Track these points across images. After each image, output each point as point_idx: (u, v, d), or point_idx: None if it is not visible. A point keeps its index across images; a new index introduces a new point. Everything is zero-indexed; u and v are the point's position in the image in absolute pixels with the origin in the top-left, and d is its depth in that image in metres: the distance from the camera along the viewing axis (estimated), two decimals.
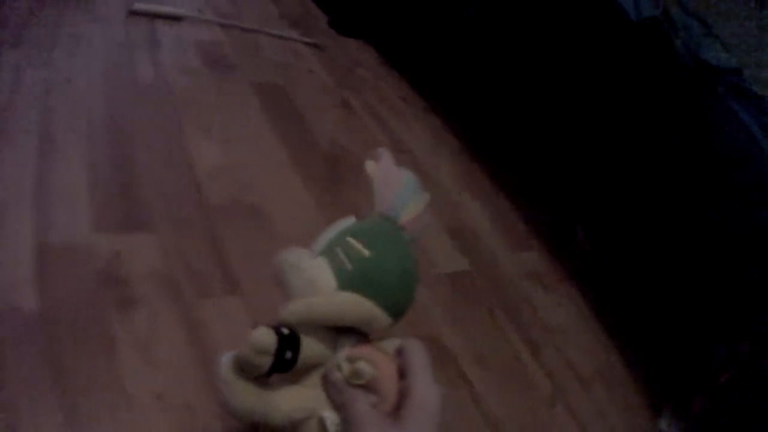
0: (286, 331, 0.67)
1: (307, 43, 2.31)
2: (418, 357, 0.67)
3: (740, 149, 1.47)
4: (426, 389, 0.63)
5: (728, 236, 1.45)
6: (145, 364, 0.93)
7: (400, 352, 0.69)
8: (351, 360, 0.67)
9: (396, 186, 0.86)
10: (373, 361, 0.67)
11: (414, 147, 1.92)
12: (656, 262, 1.62)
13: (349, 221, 0.79)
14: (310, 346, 0.69)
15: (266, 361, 0.65)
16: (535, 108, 1.98)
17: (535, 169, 1.99)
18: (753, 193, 1.43)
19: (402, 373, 0.66)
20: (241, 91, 1.78)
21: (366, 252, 0.72)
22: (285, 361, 0.66)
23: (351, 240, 0.73)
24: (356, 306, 0.70)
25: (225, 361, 0.68)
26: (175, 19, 2.03)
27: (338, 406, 0.66)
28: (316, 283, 0.70)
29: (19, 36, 1.65)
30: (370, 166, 0.87)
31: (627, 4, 1.68)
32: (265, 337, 0.65)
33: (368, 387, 0.65)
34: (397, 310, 0.74)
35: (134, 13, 1.96)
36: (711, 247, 1.48)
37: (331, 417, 0.68)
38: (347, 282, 0.70)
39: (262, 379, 0.68)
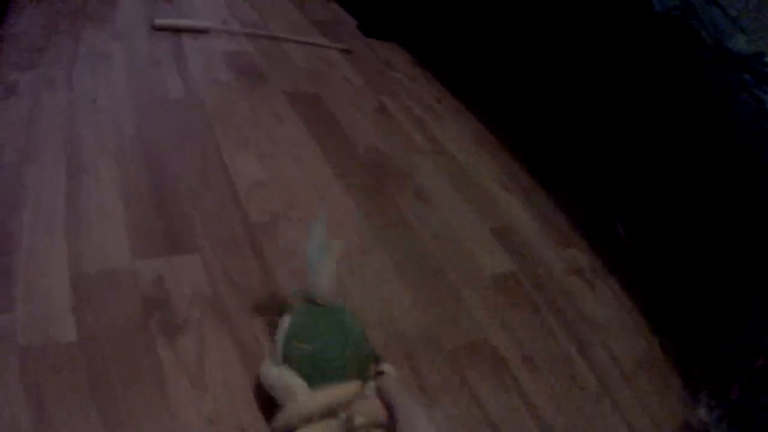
0: None
1: (337, 49, 2.28)
2: (393, 389, 0.83)
3: (765, 137, 1.46)
4: (408, 411, 0.78)
5: (760, 223, 1.45)
6: (195, 389, 0.90)
7: (379, 391, 0.84)
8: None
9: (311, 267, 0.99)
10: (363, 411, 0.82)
11: (453, 148, 1.89)
12: (691, 251, 1.62)
13: (285, 321, 0.93)
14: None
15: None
16: (567, 102, 1.97)
17: (572, 164, 1.97)
18: None
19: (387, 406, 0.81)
20: (275, 101, 1.75)
21: (308, 347, 0.88)
22: None
23: (294, 342, 0.88)
24: (328, 397, 0.83)
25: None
26: (201, 32, 2.02)
27: None
28: (292, 390, 0.83)
29: (39, 55, 1.63)
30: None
31: None
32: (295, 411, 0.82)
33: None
34: (360, 371, 0.88)
35: (157, 29, 1.95)
36: (743, 234, 1.48)
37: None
38: (310, 378, 0.84)
39: None
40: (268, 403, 0.88)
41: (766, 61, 1.60)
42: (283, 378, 0.85)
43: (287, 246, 1.23)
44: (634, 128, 1.75)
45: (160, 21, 1.97)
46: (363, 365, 0.90)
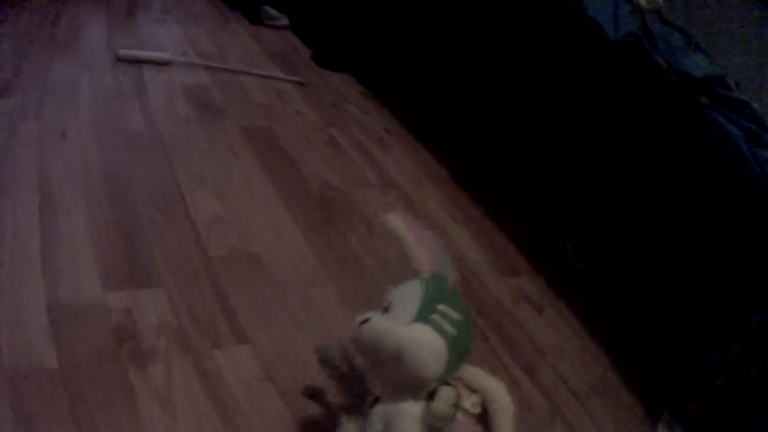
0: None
1: (291, 81, 2.43)
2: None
3: (724, 160, 1.58)
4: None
5: (714, 244, 1.57)
6: (165, 415, 1.03)
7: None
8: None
9: (431, 245, 1.05)
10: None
11: (401, 180, 2.05)
12: (644, 272, 1.75)
13: (417, 284, 0.97)
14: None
15: (455, 410, 0.86)
16: (519, 129, 2.12)
17: (522, 191, 2.12)
18: (736, 201, 1.55)
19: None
20: (231, 136, 1.90)
21: (458, 315, 0.92)
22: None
23: (444, 307, 0.91)
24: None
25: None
26: (162, 64, 2.16)
27: None
28: (438, 354, 0.88)
29: (9, 84, 1.77)
30: (392, 223, 1.02)
31: (606, 22, 1.83)
32: (452, 393, 0.86)
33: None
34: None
35: (121, 60, 2.08)
36: (697, 255, 1.61)
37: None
38: (454, 346, 0.89)
39: None
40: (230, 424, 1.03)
41: (727, 82, 1.75)
42: (426, 338, 0.88)
43: (244, 279, 1.38)
44: (588, 154, 1.88)
45: (123, 52, 2.10)
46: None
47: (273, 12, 3.12)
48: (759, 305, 1.46)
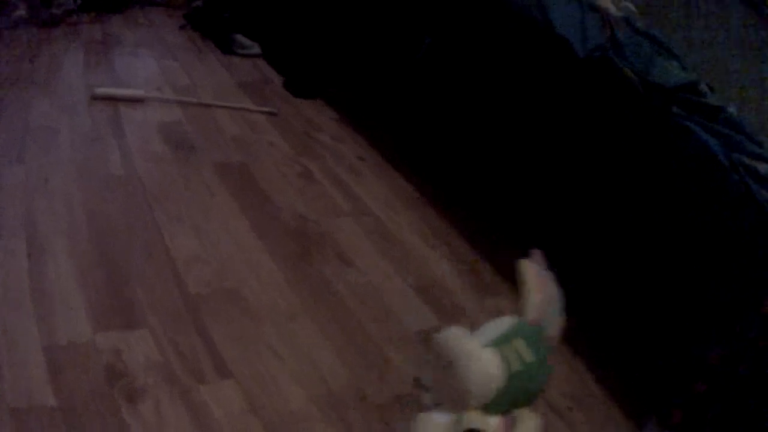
0: None
1: (263, 112, 2.55)
2: None
3: (700, 170, 1.64)
4: None
5: (692, 252, 1.65)
6: None
7: None
8: None
9: (547, 296, 1.16)
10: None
11: (375, 208, 2.16)
12: (624, 284, 1.82)
13: (510, 320, 1.08)
14: None
15: None
16: (493, 146, 2.22)
17: (498, 209, 2.22)
18: (715, 208, 1.61)
19: None
20: (205, 173, 2.03)
21: (531, 358, 1.01)
22: None
23: (521, 342, 1.01)
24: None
25: None
26: (137, 101, 2.27)
27: None
28: (491, 376, 0.96)
29: None
30: (524, 268, 1.19)
31: (574, 37, 1.89)
32: None
33: None
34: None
35: (97, 98, 2.20)
36: (676, 264, 1.69)
37: None
38: (512, 380, 0.97)
39: None
40: None
41: (700, 88, 1.80)
42: (488, 360, 0.97)
43: (224, 315, 1.50)
44: (564, 171, 1.97)
45: (99, 91, 2.23)
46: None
47: (245, 41, 3.25)
48: (740, 310, 1.53)
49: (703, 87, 1.81)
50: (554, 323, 1.17)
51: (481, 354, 0.98)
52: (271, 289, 1.64)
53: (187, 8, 3.58)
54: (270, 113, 2.57)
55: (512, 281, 1.98)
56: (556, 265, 2.02)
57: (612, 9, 2.08)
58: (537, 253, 1.16)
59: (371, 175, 2.37)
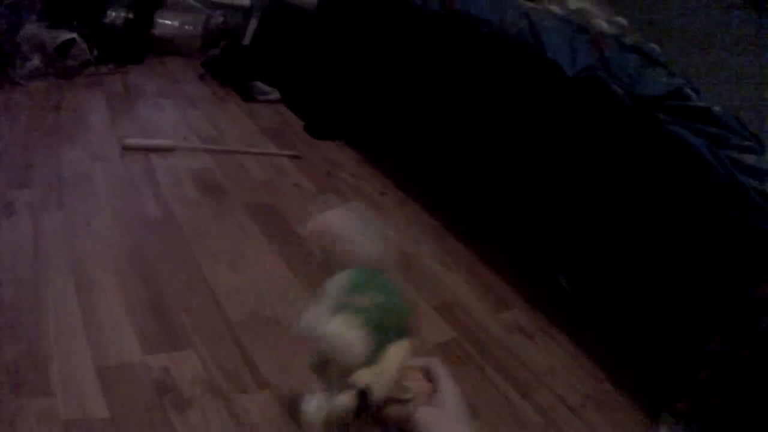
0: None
1: (287, 156, 2.88)
2: (439, 367, 1.12)
3: (688, 168, 1.85)
4: (448, 382, 1.09)
5: (689, 251, 1.88)
6: None
7: (426, 369, 1.12)
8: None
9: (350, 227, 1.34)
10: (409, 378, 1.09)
11: (397, 237, 2.39)
12: (628, 281, 2.06)
13: (340, 278, 1.20)
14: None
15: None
16: (503, 171, 2.52)
17: (511, 231, 2.52)
18: (707, 207, 1.82)
19: (429, 378, 1.10)
20: (237, 214, 2.34)
21: (378, 299, 1.14)
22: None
23: (357, 295, 1.14)
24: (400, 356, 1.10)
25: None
26: (166, 150, 2.61)
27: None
28: (352, 341, 1.07)
29: (27, 173, 2.24)
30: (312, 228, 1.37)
31: (564, 59, 2.14)
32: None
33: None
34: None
35: (128, 149, 2.54)
36: (673, 258, 1.91)
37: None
38: (380, 327, 1.09)
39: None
40: None
41: (685, 92, 1.96)
42: (341, 328, 1.07)
43: (264, 338, 1.77)
44: (568, 190, 2.23)
45: (130, 141, 2.56)
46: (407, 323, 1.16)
47: (264, 87, 3.59)
48: (737, 295, 1.72)
49: (689, 91, 1.97)
50: (371, 247, 1.31)
51: (333, 329, 1.10)
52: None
53: (203, 57, 3.96)
54: (294, 156, 2.90)
55: (525, 297, 2.26)
56: (566, 272, 2.30)
57: (604, 26, 2.34)
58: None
59: (393, 208, 2.69)
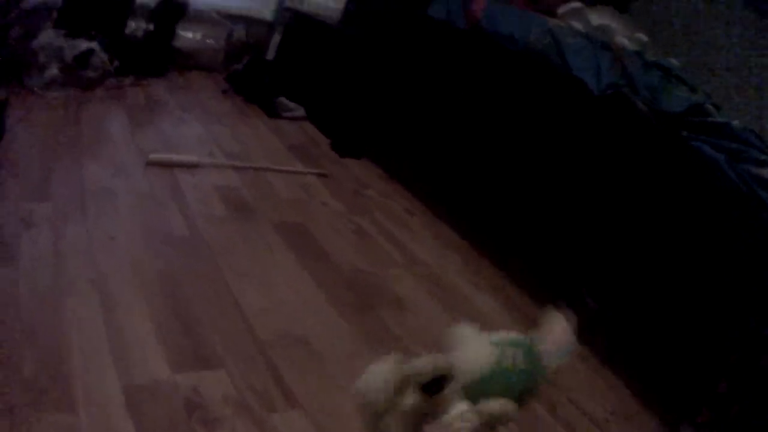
0: None
1: (314, 174, 2.89)
2: None
3: (710, 183, 1.93)
4: None
5: (708, 259, 1.96)
6: None
7: None
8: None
9: (560, 343, 1.46)
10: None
11: (425, 257, 2.50)
12: (651, 299, 2.13)
13: (524, 337, 1.40)
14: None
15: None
16: (531, 187, 2.58)
17: (536, 248, 2.57)
18: (731, 221, 1.90)
19: None
20: (265, 232, 2.34)
21: (523, 366, 1.31)
22: None
23: (520, 351, 1.29)
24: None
25: None
26: (191, 166, 2.62)
27: None
28: (479, 359, 1.24)
29: (44, 188, 2.22)
30: (549, 317, 1.53)
31: (590, 76, 2.23)
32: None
33: None
34: None
35: (152, 164, 2.55)
36: (695, 272, 1.99)
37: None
38: (498, 374, 1.26)
39: None
40: None
41: (706, 108, 2.09)
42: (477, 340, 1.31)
43: (294, 358, 1.77)
44: (593, 208, 2.30)
45: (153, 156, 2.56)
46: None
47: (288, 103, 3.62)
48: (754, 307, 1.83)
49: (709, 107, 2.08)
50: (557, 361, 1.44)
51: (478, 340, 1.26)
52: (334, 334, 1.92)
53: (226, 71, 3.99)
54: (320, 174, 2.90)
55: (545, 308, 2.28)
56: (591, 287, 2.32)
57: (626, 42, 2.41)
58: (563, 304, 1.47)
59: (420, 227, 2.72)
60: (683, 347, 2.01)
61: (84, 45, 3.28)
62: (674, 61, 2.54)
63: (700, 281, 1.99)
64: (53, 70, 3.14)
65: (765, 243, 1.83)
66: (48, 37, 3.20)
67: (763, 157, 1.93)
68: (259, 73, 3.88)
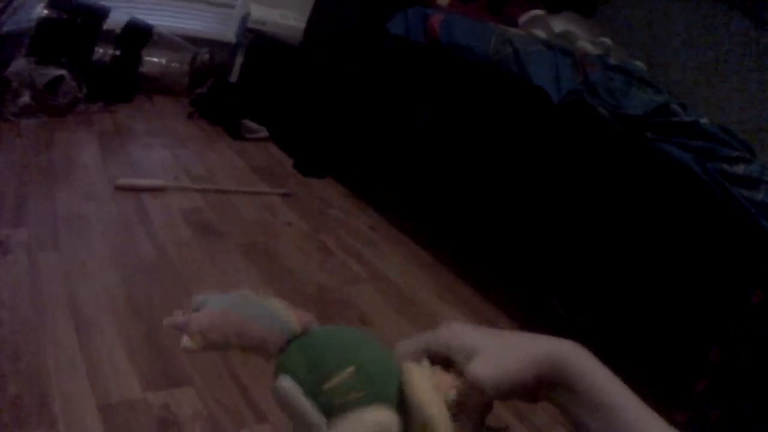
0: None
1: (278, 194, 2.99)
2: None
3: (679, 183, 1.96)
4: None
5: (682, 259, 1.99)
6: None
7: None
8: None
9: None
10: None
11: (390, 273, 2.60)
12: (626, 302, 2.17)
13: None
14: None
15: None
16: (495, 198, 2.66)
17: (504, 260, 2.65)
18: (697, 215, 1.93)
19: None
20: (231, 253, 2.44)
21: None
22: None
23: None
24: None
25: None
26: (158, 190, 2.71)
27: None
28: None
29: (18, 214, 2.32)
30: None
31: (549, 86, 2.27)
32: None
33: None
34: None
35: (119, 189, 2.64)
36: (670, 273, 2.02)
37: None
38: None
39: None
40: None
41: (672, 109, 2.08)
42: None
43: (258, 371, 1.88)
44: (561, 214, 2.36)
45: (121, 182, 2.66)
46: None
47: (252, 125, 3.72)
48: (731, 304, 1.84)
49: (675, 107, 2.10)
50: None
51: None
52: None
53: (191, 95, 4.08)
54: (285, 194, 3.01)
55: (522, 322, 2.39)
56: (559, 295, 2.41)
57: (589, 47, 2.48)
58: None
59: (384, 243, 2.83)
60: (659, 348, 2.07)
61: (54, 72, 3.36)
62: (639, 63, 2.63)
63: (674, 280, 2.05)
64: (26, 98, 3.23)
65: (738, 239, 1.88)
66: (20, 65, 3.28)
67: (735, 153, 1.94)
68: (223, 95, 3.98)
